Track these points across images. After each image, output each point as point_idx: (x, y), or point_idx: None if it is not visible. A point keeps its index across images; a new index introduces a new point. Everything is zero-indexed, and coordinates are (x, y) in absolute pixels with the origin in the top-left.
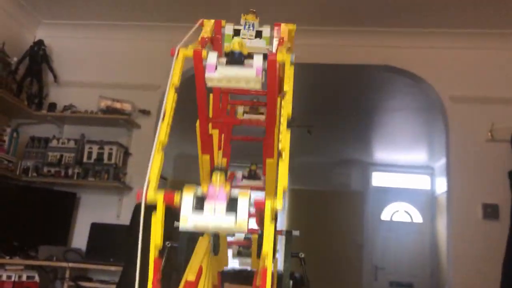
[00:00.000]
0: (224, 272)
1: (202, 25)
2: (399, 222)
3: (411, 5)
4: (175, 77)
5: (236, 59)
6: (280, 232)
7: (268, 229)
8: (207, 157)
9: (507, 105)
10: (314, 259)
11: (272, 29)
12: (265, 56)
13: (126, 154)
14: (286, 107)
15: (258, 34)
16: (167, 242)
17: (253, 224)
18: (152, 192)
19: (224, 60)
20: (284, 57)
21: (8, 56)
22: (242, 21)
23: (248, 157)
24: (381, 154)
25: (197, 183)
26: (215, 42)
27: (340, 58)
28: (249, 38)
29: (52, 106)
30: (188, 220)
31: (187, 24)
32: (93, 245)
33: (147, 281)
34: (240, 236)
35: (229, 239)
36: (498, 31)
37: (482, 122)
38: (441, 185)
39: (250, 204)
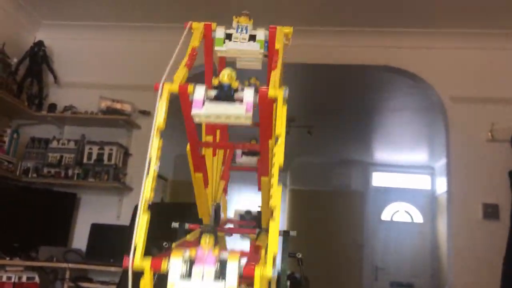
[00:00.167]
0: None
1: (191, 28)
2: (399, 222)
3: (411, 5)
4: (159, 119)
5: (225, 92)
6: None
7: None
8: (200, 175)
9: (507, 105)
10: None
11: (267, 32)
12: (256, 90)
13: (126, 154)
14: (278, 155)
15: (252, 38)
16: (164, 243)
17: None
18: (138, 260)
19: (212, 93)
20: (276, 92)
21: (8, 57)
22: (235, 24)
23: (248, 135)
24: (381, 154)
25: None
26: (206, 47)
27: (340, 58)
28: (241, 42)
29: (52, 107)
30: None
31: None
32: (93, 245)
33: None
34: None
35: None
36: (498, 31)
37: (482, 122)
38: (441, 185)
39: (239, 268)
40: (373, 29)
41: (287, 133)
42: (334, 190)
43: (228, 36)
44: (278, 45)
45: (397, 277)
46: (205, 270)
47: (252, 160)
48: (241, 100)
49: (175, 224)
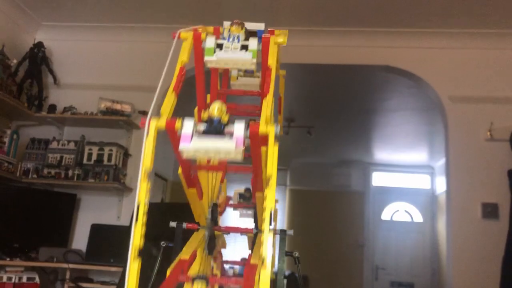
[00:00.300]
0: None
1: (180, 38)
2: (399, 221)
3: (411, 5)
4: (147, 160)
5: (215, 127)
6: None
7: None
8: (193, 190)
9: (506, 105)
10: (315, 259)
11: (259, 43)
12: (247, 124)
13: (126, 155)
14: (269, 200)
15: (244, 47)
16: (162, 242)
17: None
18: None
19: (202, 127)
20: (267, 129)
21: (8, 58)
22: (226, 33)
23: None
24: (381, 154)
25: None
26: (196, 58)
27: (340, 58)
28: (232, 50)
29: (52, 108)
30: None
31: (186, 25)
32: (93, 246)
33: (145, 281)
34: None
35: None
36: (498, 31)
37: (481, 122)
38: (441, 185)
39: None
40: (373, 29)
41: (286, 133)
42: (334, 190)
43: (219, 46)
44: (271, 61)
45: (397, 276)
46: None
47: (250, 82)
48: (231, 134)
49: (173, 223)
